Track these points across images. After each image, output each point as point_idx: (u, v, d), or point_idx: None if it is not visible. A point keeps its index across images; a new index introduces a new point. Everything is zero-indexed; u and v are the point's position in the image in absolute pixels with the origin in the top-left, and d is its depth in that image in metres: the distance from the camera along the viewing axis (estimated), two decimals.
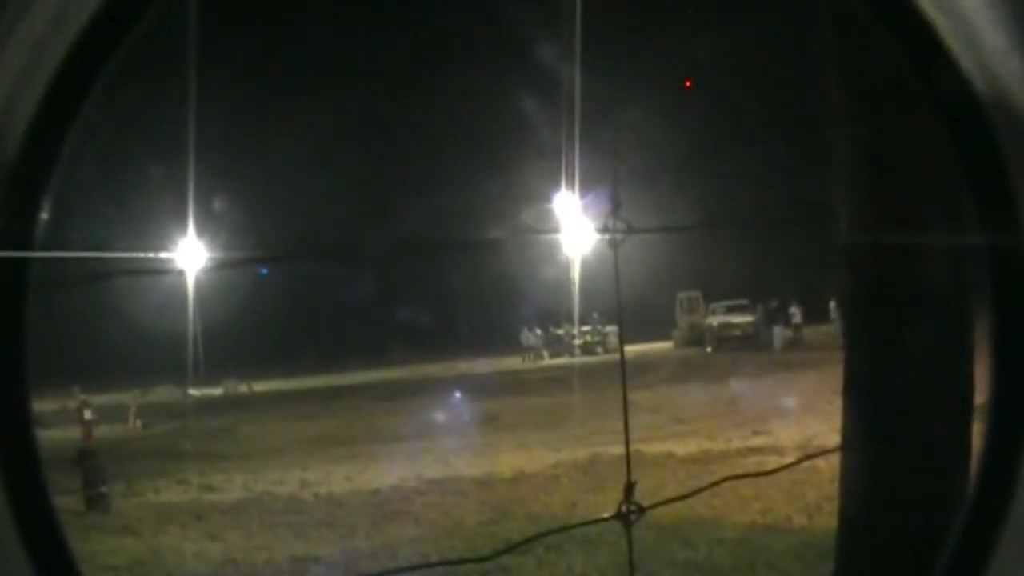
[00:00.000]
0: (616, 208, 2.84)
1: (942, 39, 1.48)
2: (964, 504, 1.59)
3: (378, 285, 42.00)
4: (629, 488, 2.88)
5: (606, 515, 2.91)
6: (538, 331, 49.67)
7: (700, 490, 10.58)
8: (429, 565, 10.29)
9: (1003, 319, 1.56)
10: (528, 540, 10.21)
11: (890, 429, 2.93)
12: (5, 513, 1.33)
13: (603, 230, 2.84)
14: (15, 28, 1.30)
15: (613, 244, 2.79)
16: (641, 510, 2.88)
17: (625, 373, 3.71)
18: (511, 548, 9.32)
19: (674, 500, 4.48)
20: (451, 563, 11.03)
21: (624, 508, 2.85)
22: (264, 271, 37.08)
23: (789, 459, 14.11)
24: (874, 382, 3.03)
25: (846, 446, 3.09)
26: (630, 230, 2.81)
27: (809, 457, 11.23)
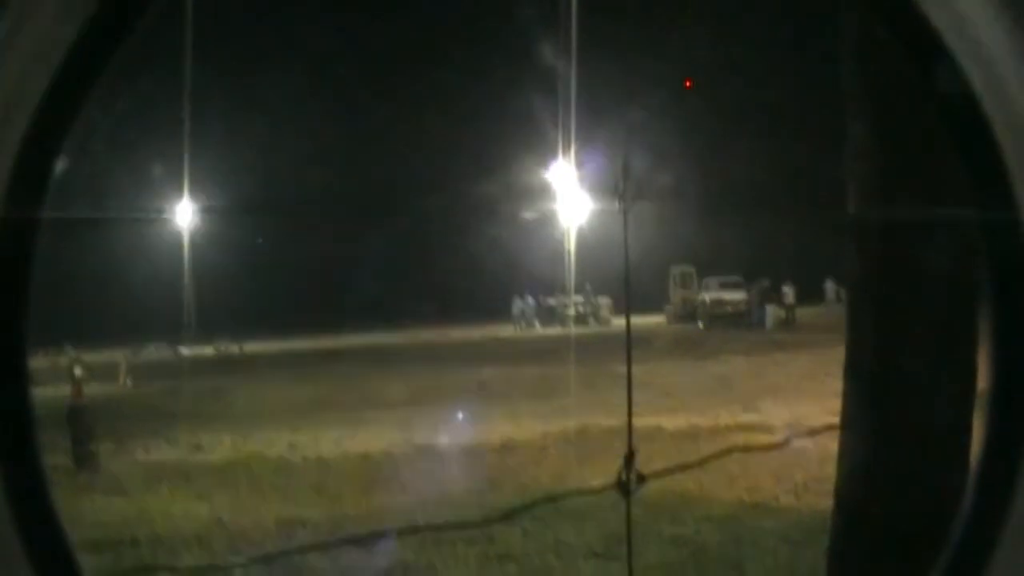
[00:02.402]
0: (627, 173, 2.82)
1: (942, 39, 1.47)
2: (964, 503, 1.57)
3: (371, 250, 41.95)
4: (630, 457, 2.88)
5: (605, 484, 2.91)
6: (531, 300, 49.70)
7: (706, 460, 10.58)
8: (417, 530, 10.31)
9: (1004, 314, 1.55)
10: (525, 508, 10.20)
11: (890, 410, 2.92)
12: (5, 513, 1.31)
13: (614, 195, 2.82)
14: (15, 28, 1.28)
15: (623, 208, 2.76)
16: (641, 479, 2.88)
17: (631, 343, 3.67)
18: (505, 515, 9.33)
19: (677, 470, 4.48)
20: (439, 528, 11.05)
21: (624, 476, 2.85)
22: (260, 239, 37.05)
23: (778, 438, 14.16)
24: (876, 362, 3.02)
25: (845, 425, 3.08)
26: (641, 195, 2.78)
27: (816, 432, 11.23)
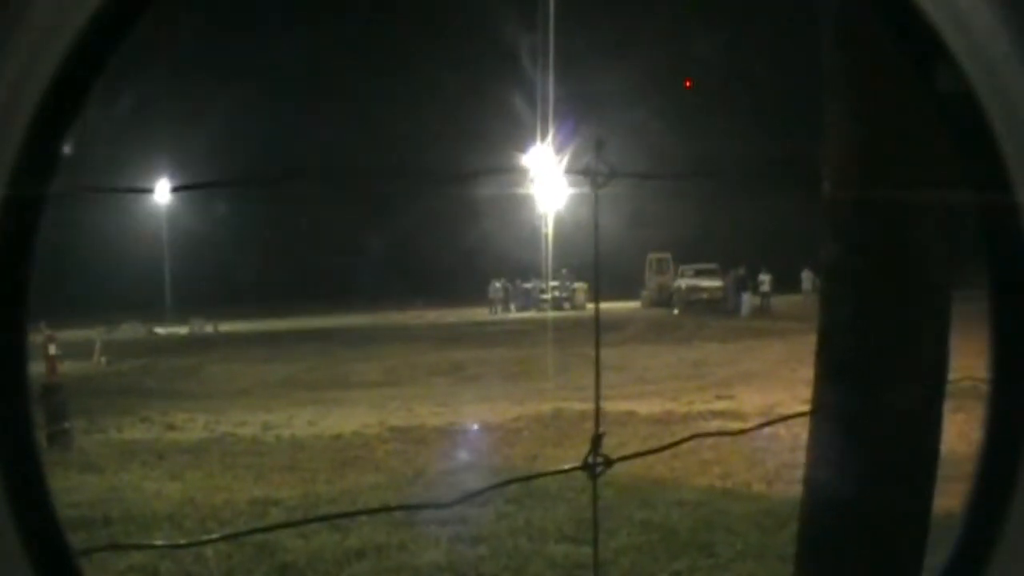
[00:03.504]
0: (599, 149, 2.81)
1: (942, 39, 1.48)
2: (964, 503, 1.58)
3: (349, 232, 41.95)
4: (597, 439, 2.87)
5: (572, 466, 2.91)
6: (507, 284, 49.80)
7: (670, 445, 10.61)
8: (387, 510, 10.31)
9: (1003, 313, 1.55)
10: (491, 488, 10.22)
11: (862, 396, 2.94)
12: (5, 513, 1.32)
13: (584, 172, 2.80)
14: (15, 28, 1.28)
15: (595, 186, 2.76)
16: (608, 463, 2.89)
17: (599, 327, 3.70)
18: (468, 496, 9.34)
19: (643, 454, 4.48)
20: (408, 508, 11.06)
21: (591, 459, 2.85)
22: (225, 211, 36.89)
23: (751, 424, 14.22)
24: (848, 348, 3.03)
25: (816, 412, 3.09)
26: (613, 173, 2.78)
27: (785, 418, 11.28)
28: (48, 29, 1.27)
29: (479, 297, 48.50)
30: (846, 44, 3.10)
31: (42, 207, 1.35)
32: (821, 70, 3.16)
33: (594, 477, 2.83)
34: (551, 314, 41.68)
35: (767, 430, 9.58)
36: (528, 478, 11.55)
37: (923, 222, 2.93)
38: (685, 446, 12.84)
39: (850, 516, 2.96)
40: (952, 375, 3.00)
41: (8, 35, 1.26)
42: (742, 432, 11.91)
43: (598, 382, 3.50)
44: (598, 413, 3.26)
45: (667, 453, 11.42)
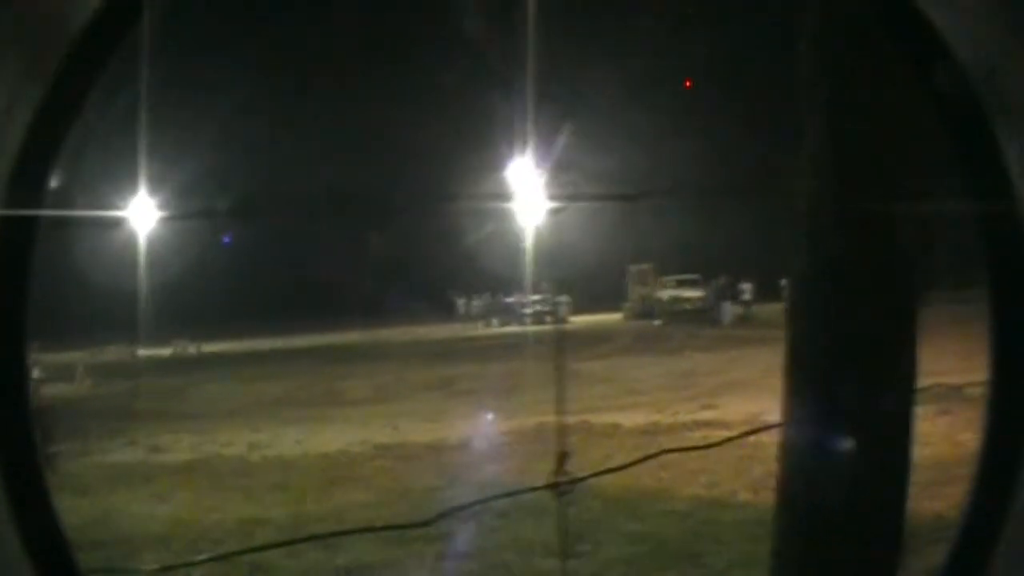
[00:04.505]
0: (563, 173, 2.87)
1: (942, 39, 1.50)
2: (964, 503, 1.62)
3: (332, 249, 41.84)
4: (561, 458, 2.94)
5: (540, 485, 2.97)
6: (490, 299, 49.72)
7: (635, 462, 10.63)
8: (375, 529, 10.31)
9: (1002, 313, 1.58)
10: (452, 511, 10.16)
11: (833, 407, 2.99)
12: (5, 513, 1.36)
13: (556, 196, 2.86)
14: (14, 28, 1.32)
15: (555, 210, 2.81)
16: (573, 481, 2.94)
17: (561, 345, 3.71)
18: (438, 517, 9.33)
19: (608, 471, 4.54)
20: (385, 528, 11.05)
21: (557, 478, 2.91)
22: (226, 240, 36.83)
23: (736, 433, 14.27)
24: (816, 360, 3.08)
25: (787, 423, 3.14)
26: (576, 196, 2.83)
27: (745, 434, 11.37)
28: (48, 29, 1.30)
29: (460, 312, 48.40)
30: (820, 58, 3.16)
31: (43, 201, 1.38)
32: (795, 86, 3.22)
33: (560, 496, 2.88)
34: (534, 328, 41.57)
35: (751, 437, 9.63)
36: (492, 499, 11.53)
37: (892, 234, 2.99)
38: (671, 456, 12.93)
39: (823, 525, 3.01)
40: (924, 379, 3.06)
41: (8, 35, 1.29)
42: (710, 447, 11.94)
43: (560, 400, 3.56)
44: (561, 433, 3.31)
45: (654, 463, 11.48)
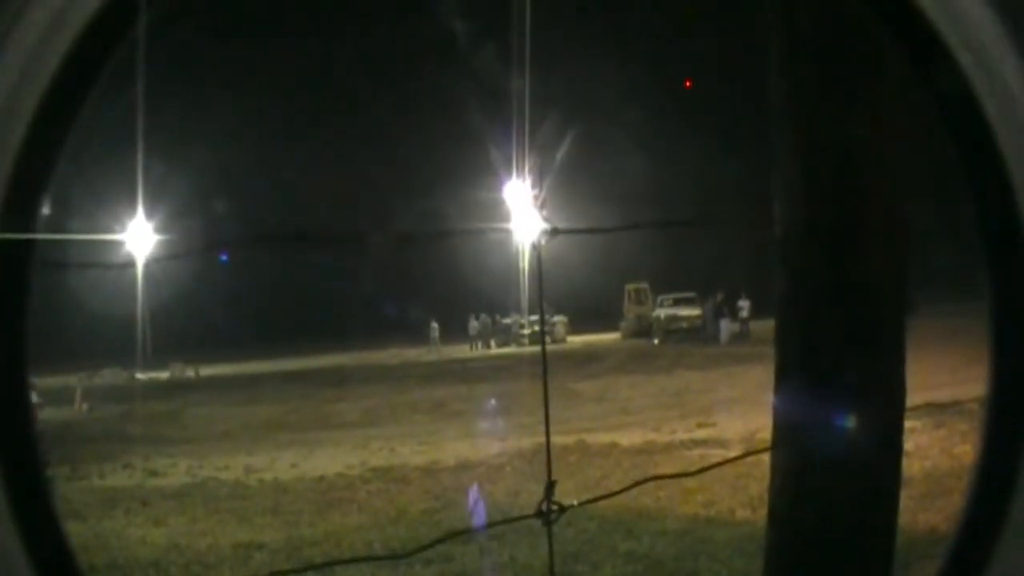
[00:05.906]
0: (540, 207, 2.89)
1: (942, 39, 1.50)
2: (964, 503, 1.60)
3: (326, 273, 41.87)
4: (549, 487, 2.93)
5: (527, 514, 2.97)
6: (487, 320, 49.71)
7: (621, 491, 10.55)
8: (343, 562, 10.17)
9: (1002, 315, 1.57)
10: (435, 542, 10.08)
11: (819, 426, 2.99)
12: (5, 513, 1.35)
13: (544, 231, 2.89)
14: (15, 28, 1.31)
15: (537, 244, 2.83)
16: (561, 509, 2.93)
17: (546, 368, 3.73)
18: (421, 548, 9.27)
19: (594, 500, 4.54)
20: (367, 560, 10.91)
21: (544, 507, 2.90)
22: (224, 258, 36.81)
23: (733, 452, 14.25)
24: (803, 379, 3.08)
25: (775, 443, 3.14)
26: (555, 232, 2.87)
27: (729, 461, 11.35)
28: (48, 29, 1.29)
29: (457, 334, 48.38)
30: (791, 76, 3.16)
31: (43, 203, 1.37)
32: (768, 107, 3.22)
33: (548, 524, 2.88)
34: (531, 348, 41.61)
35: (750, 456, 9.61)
36: (477, 529, 11.47)
37: (870, 251, 2.99)
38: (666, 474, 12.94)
39: (814, 544, 3.01)
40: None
41: (8, 35, 1.28)
42: (698, 472, 11.88)
43: (547, 425, 3.56)
44: (549, 463, 3.31)
45: (650, 484, 11.48)
